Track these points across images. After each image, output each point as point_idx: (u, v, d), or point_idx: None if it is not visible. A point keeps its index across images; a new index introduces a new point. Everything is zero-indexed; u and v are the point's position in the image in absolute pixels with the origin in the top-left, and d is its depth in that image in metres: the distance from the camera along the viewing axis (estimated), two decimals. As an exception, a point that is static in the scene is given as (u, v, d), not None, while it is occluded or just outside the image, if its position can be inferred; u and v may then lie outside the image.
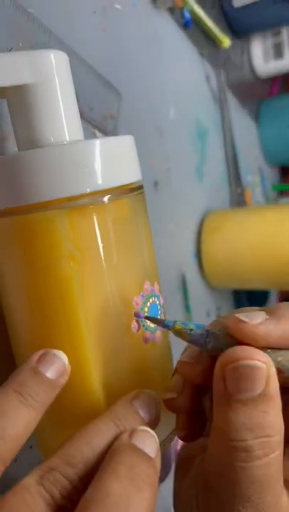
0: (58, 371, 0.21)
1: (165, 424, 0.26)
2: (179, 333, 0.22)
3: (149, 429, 0.21)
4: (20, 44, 0.28)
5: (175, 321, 0.22)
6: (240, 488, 0.20)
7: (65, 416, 0.24)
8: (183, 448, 0.27)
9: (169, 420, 0.26)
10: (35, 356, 0.22)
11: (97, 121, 0.35)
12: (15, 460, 0.27)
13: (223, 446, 0.20)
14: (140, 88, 0.41)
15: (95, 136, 0.35)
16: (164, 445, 0.25)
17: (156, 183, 0.43)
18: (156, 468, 0.20)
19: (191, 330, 0.21)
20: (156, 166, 0.43)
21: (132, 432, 0.20)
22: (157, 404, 0.22)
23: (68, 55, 0.32)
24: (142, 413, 0.21)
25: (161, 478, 0.41)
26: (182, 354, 0.23)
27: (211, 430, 0.21)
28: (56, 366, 0.22)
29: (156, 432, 0.25)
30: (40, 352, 0.22)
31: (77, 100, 0.33)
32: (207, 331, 0.21)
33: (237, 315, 0.20)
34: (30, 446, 0.28)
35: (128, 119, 0.39)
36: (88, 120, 0.34)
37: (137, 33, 0.41)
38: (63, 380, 0.22)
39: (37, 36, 0.30)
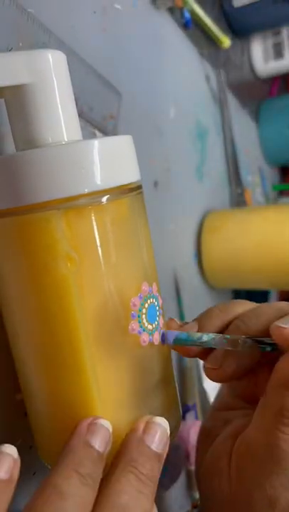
0: (106, 442, 0.22)
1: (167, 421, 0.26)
2: (233, 344, 0.24)
3: (162, 423, 0.23)
4: (20, 44, 0.28)
5: (202, 335, 0.25)
6: (283, 456, 0.23)
7: (64, 418, 0.23)
8: (206, 421, 0.30)
9: (170, 420, 0.26)
10: (84, 427, 0.22)
11: (97, 121, 0.35)
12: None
13: (276, 421, 0.23)
14: (140, 88, 0.41)
15: (94, 136, 0.35)
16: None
17: (156, 183, 0.43)
18: (161, 463, 0.23)
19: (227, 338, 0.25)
20: (156, 166, 0.43)
21: (145, 427, 0.23)
22: (167, 432, 0.23)
23: (68, 55, 0.32)
24: (154, 447, 0.23)
25: (168, 486, 0.40)
26: (206, 361, 0.26)
27: (264, 404, 0.24)
28: (104, 437, 0.22)
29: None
30: (88, 421, 0.22)
31: (77, 100, 0.33)
32: (245, 338, 0.25)
33: (277, 323, 0.24)
34: (30, 447, 0.28)
35: (128, 119, 0.39)
36: (88, 120, 0.34)
37: (137, 33, 0.41)
38: (108, 449, 0.22)
39: (37, 36, 0.30)
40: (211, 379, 0.26)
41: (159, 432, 0.23)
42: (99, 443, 0.22)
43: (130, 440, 0.23)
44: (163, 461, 0.23)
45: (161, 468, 0.23)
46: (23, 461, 0.28)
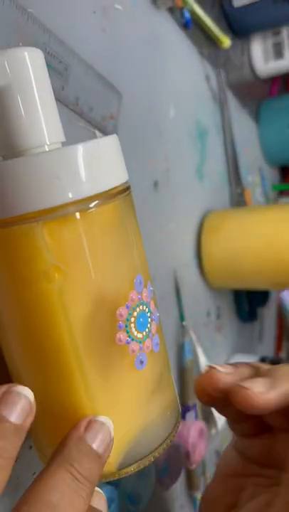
0: (23, 413, 0.20)
1: (164, 426, 0.25)
2: None
3: (105, 421, 0.21)
4: (20, 44, 0.28)
5: None
6: None
7: (57, 424, 0.23)
8: (210, 487, 0.28)
9: (167, 422, 0.26)
10: None
11: (97, 121, 0.35)
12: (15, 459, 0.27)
13: None
14: (140, 88, 0.41)
15: (95, 136, 0.35)
16: (163, 447, 0.25)
17: (156, 183, 0.43)
18: (101, 465, 0.21)
19: None
20: (156, 166, 0.43)
21: (88, 425, 0.21)
22: (110, 432, 0.21)
23: (68, 55, 0.32)
24: (95, 446, 0.21)
25: (168, 485, 0.40)
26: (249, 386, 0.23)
27: None
28: (21, 407, 0.20)
29: (156, 433, 0.24)
30: (3, 389, 0.20)
31: (77, 100, 0.33)
32: None
33: (242, 384, 0.22)
34: (30, 447, 0.28)
35: (128, 119, 0.39)
36: (88, 120, 0.34)
37: (137, 33, 0.41)
38: (30, 421, 0.20)
39: (37, 36, 0.30)
40: (254, 407, 0.22)
41: (101, 432, 0.21)
42: (13, 413, 0.19)
43: (70, 437, 0.21)
44: (104, 462, 0.21)
45: (101, 470, 0.21)
46: (23, 461, 0.28)
